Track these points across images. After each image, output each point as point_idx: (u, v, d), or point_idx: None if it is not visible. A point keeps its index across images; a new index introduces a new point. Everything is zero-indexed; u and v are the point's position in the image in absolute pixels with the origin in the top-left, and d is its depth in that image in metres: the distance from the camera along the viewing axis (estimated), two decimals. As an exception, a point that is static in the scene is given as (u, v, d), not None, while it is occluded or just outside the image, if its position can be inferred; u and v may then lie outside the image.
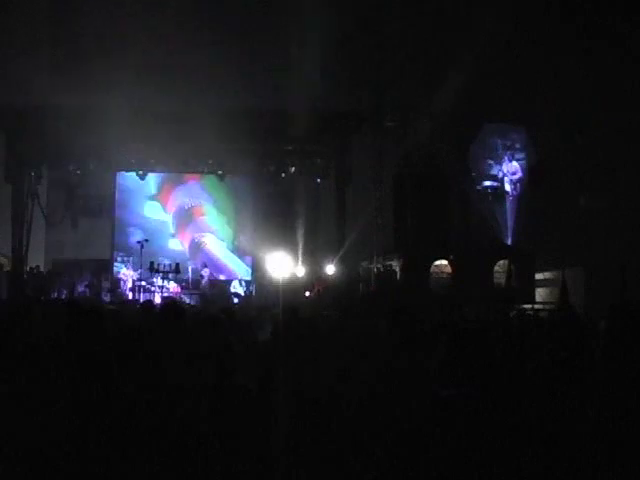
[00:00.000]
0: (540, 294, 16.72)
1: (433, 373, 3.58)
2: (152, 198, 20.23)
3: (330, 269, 18.26)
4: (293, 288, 17.42)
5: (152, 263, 17.08)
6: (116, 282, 18.90)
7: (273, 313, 6.95)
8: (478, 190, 18.11)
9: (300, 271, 18.37)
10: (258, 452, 3.10)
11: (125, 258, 19.58)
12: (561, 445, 3.00)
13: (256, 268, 19.84)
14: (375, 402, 3.31)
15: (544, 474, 2.96)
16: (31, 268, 18.14)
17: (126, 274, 18.79)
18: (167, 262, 17.91)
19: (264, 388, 3.50)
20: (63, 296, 17.01)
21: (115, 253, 19.85)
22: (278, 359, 3.87)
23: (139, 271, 17.64)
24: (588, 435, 2.97)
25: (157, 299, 16.18)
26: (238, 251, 20.23)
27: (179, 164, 19.47)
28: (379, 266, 17.64)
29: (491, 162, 18.15)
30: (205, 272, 18.76)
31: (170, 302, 6.53)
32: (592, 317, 6.73)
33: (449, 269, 16.69)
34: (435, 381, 3.54)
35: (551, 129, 16.16)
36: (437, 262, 16.82)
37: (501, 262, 16.62)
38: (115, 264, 19.68)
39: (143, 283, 17.55)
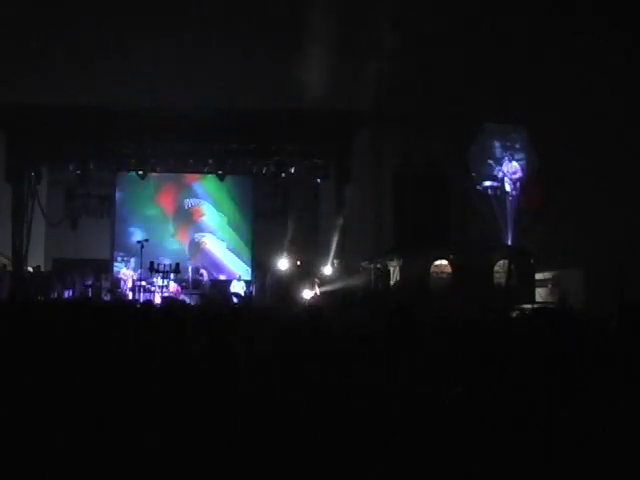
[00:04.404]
0: (540, 294, 16.72)
1: (434, 372, 3.59)
2: (152, 198, 20.24)
3: (330, 269, 18.27)
4: (293, 288, 17.44)
5: (152, 263, 17.08)
6: (116, 282, 18.91)
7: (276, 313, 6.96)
8: (478, 190, 18.11)
9: (300, 271, 18.37)
10: (261, 454, 3.11)
11: (125, 258, 19.60)
12: (567, 444, 3.00)
13: (256, 268, 19.87)
14: (377, 402, 3.31)
15: (551, 473, 2.97)
16: (33, 268, 18.16)
17: (126, 274, 18.79)
18: (167, 262, 17.92)
19: (267, 389, 3.50)
20: (65, 296, 17.03)
21: (115, 253, 19.85)
22: (281, 361, 3.88)
23: (139, 271, 17.64)
24: (596, 434, 2.98)
25: (157, 299, 16.20)
26: (239, 251, 20.25)
27: (179, 164, 19.49)
28: (379, 266, 17.64)
29: (491, 162, 18.15)
30: (202, 273, 18.81)
31: (171, 302, 6.54)
32: (593, 316, 6.73)
33: (449, 269, 16.68)
34: (436, 380, 3.54)
35: (551, 129, 16.17)
36: (437, 262, 16.81)
37: (501, 262, 16.61)
38: (115, 264, 19.68)
39: (143, 283, 17.56)
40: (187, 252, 19.98)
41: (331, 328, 5.04)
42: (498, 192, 18.04)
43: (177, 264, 17.70)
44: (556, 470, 2.98)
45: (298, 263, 18.56)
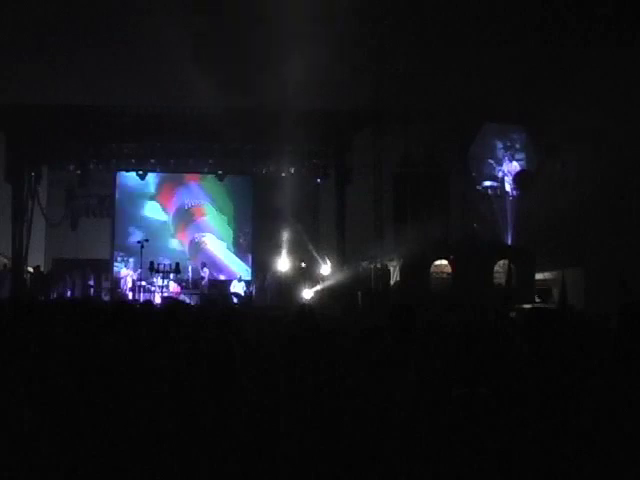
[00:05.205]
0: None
1: (437, 373, 3.59)
2: (152, 198, 20.25)
3: (329, 269, 18.27)
4: (293, 288, 17.45)
5: (152, 263, 17.09)
6: (116, 282, 18.92)
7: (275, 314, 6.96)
8: (478, 190, 18.10)
9: (299, 271, 18.38)
10: (262, 454, 3.11)
11: (125, 258, 19.60)
12: (574, 444, 3.01)
13: (256, 268, 19.88)
14: (377, 402, 3.31)
15: (552, 473, 2.97)
16: (33, 268, 18.15)
17: (126, 274, 18.80)
18: (167, 262, 17.92)
19: (267, 389, 3.50)
20: (65, 296, 17.02)
21: (115, 253, 19.86)
22: (280, 360, 3.88)
23: (139, 271, 17.65)
24: (601, 433, 2.98)
25: (157, 299, 16.21)
26: (239, 251, 20.26)
27: (179, 164, 19.49)
28: (379, 266, 17.65)
29: (491, 162, 18.15)
30: (205, 272, 18.79)
31: (171, 302, 6.53)
32: (593, 316, 6.74)
33: (449, 269, 16.69)
34: (436, 380, 3.54)
35: (551, 129, 16.17)
36: (437, 262, 16.81)
37: (501, 262, 16.61)
38: (115, 264, 19.69)
39: (143, 283, 17.58)
40: (187, 252, 19.98)
41: (332, 328, 5.04)
42: (498, 192, 18.05)
43: (177, 264, 17.71)
44: (557, 470, 2.98)
45: (298, 263, 18.57)
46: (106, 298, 17.58)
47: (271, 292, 17.97)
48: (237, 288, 18.40)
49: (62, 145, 18.30)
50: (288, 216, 19.64)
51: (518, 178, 17.71)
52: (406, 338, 4.12)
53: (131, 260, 19.19)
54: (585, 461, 2.96)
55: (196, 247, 20.10)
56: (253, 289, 18.83)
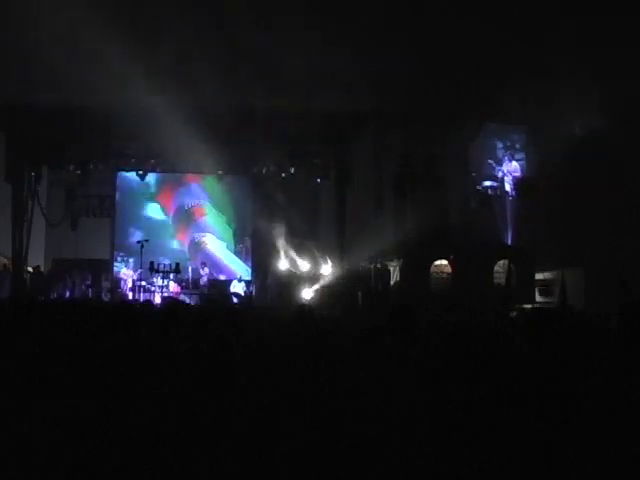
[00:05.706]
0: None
1: (437, 373, 3.59)
2: (152, 198, 20.24)
3: (329, 269, 18.27)
4: (292, 288, 17.46)
5: (152, 263, 17.10)
6: (116, 282, 18.92)
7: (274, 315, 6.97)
8: (478, 190, 18.11)
9: (300, 271, 18.39)
10: (262, 454, 3.11)
11: (125, 258, 19.60)
12: (574, 444, 3.01)
13: (256, 268, 19.88)
14: (380, 402, 3.31)
15: (556, 473, 2.97)
16: (33, 268, 18.16)
17: (126, 274, 18.81)
18: (167, 262, 17.93)
19: (267, 389, 3.50)
20: (65, 296, 17.04)
21: (115, 253, 19.86)
22: (282, 362, 3.88)
23: (139, 271, 17.65)
24: (601, 433, 2.98)
25: (157, 299, 16.22)
26: (239, 251, 20.26)
27: (179, 164, 19.48)
28: (379, 266, 17.66)
29: (491, 162, 18.16)
30: (205, 272, 18.79)
31: (172, 302, 6.54)
32: (593, 316, 6.75)
33: (449, 269, 16.70)
34: (435, 381, 3.54)
35: (551, 129, 16.18)
36: (437, 262, 16.83)
37: (501, 262, 16.63)
38: (115, 264, 19.68)
39: (143, 283, 17.58)
40: (187, 252, 19.98)
41: (332, 328, 5.04)
42: (498, 192, 18.07)
43: (177, 264, 17.72)
44: (557, 470, 2.98)
45: (298, 263, 18.58)
46: (106, 298, 17.57)
47: (271, 292, 17.98)
48: (237, 288, 18.40)
49: (62, 145, 18.29)
50: (288, 216, 19.64)
51: (519, 183, 17.73)
52: (406, 338, 4.13)
53: (131, 260, 19.19)
54: (585, 461, 2.95)
55: (196, 247, 20.10)
56: (253, 289, 18.83)
